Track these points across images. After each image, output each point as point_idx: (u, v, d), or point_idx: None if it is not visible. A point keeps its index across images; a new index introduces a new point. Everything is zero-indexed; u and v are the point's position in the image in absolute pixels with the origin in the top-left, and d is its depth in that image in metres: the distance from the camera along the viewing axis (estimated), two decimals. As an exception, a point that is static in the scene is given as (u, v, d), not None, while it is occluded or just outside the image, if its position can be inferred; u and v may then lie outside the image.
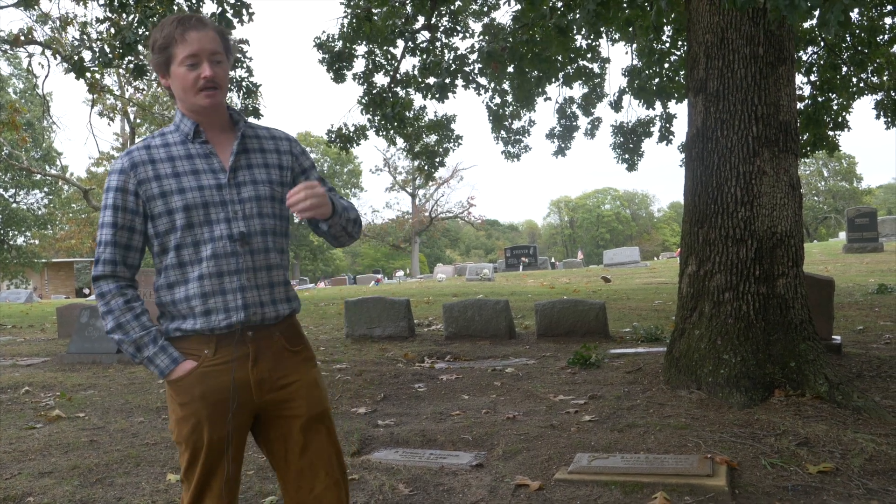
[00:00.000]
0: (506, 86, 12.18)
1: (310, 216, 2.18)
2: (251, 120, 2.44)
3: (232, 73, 10.47)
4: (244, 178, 2.28)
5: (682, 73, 10.85)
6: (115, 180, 2.24)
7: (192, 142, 2.29)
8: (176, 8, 9.00)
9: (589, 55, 11.88)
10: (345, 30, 10.69)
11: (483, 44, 9.76)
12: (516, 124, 12.93)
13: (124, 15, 8.89)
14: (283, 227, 2.37)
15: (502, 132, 12.89)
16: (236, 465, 2.30)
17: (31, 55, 23.00)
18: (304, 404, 2.31)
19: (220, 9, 9.55)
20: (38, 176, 39.08)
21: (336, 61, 10.76)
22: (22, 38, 13.69)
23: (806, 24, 10.14)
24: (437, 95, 10.06)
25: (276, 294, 2.30)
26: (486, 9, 11.86)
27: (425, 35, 10.94)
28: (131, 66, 9.11)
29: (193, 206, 2.21)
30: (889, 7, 9.80)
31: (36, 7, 13.08)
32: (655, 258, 48.97)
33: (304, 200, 2.13)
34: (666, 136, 12.28)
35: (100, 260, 2.26)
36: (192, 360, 2.24)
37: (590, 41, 11.72)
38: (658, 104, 11.73)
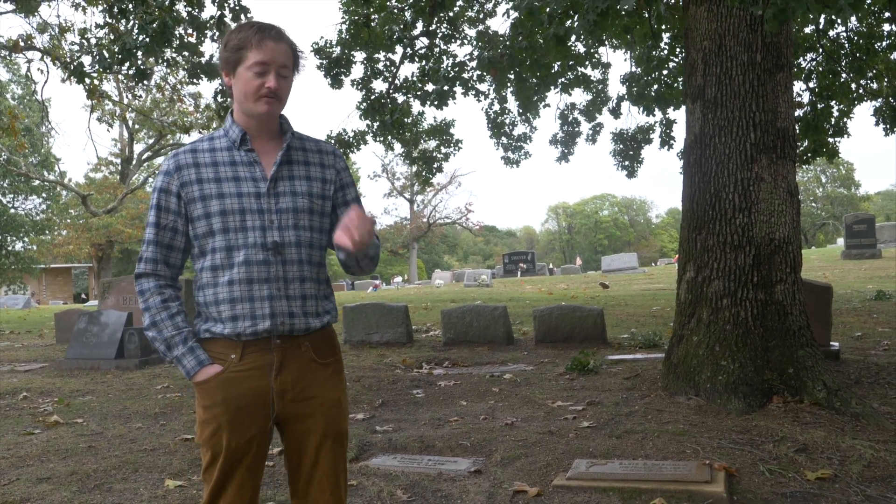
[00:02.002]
0: (505, 92, 12.19)
1: (349, 248, 2.16)
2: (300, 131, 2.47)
3: None
4: (284, 189, 2.30)
5: (680, 79, 10.87)
6: (160, 181, 2.30)
7: (237, 149, 2.32)
8: (175, 14, 9.02)
9: (587, 62, 11.89)
10: (343, 35, 10.71)
11: (480, 50, 9.78)
12: (517, 131, 12.95)
13: (123, 21, 8.90)
14: (320, 240, 2.38)
15: (503, 139, 12.90)
16: (253, 473, 2.29)
17: (29, 61, 22.98)
18: (322, 423, 2.31)
19: (219, 13, 9.56)
20: (37, 181, 39.07)
21: (334, 67, 10.78)
22: (21, 44, 13.69)
23: (807, 29, 10.17)
24: (435, 103, 10.07)
25: (307, 307, 2.30)
26: (482, 16, 11.87)
27: (424, 41, 10.95)
28: (131, 71, 9.11)
29: (230, 212, 2.24)
30: (887, 14, 9.83)
31: (35, 14, 13.10)
32: (653, 264, 48.99)
33: (355, 234, 2.12)
34: (667, 141, 12.30)
35: (142, 258, 2.31)
36: (219, 365, 2.25)
37: (589, 49, 11.74)
38: (657, 110, 11.75)
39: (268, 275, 2.24)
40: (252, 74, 2.24)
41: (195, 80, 10.59)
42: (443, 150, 13.18)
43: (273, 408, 2.26)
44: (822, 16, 8.63)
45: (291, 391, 2.27)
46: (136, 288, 2.33)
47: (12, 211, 40.01)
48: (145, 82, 9.24)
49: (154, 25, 8.15)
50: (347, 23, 10.59)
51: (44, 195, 41.98)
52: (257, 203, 2.26)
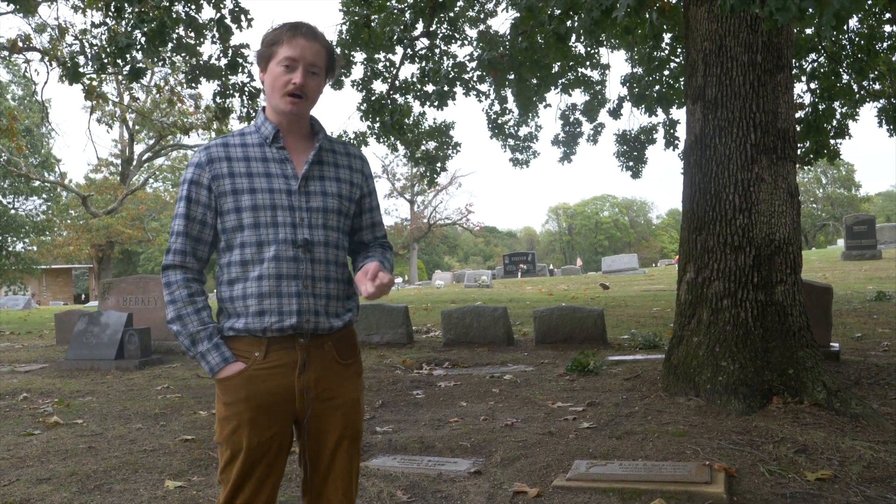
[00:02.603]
0: (505, 93, 12.20)
1: (361, 294, 2.29)
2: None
3: (234, 79, 10.45)
4: (315, 189, 2.31)
5: (681, 79, 10.88)
6: (190, 173, 2.29)
7: (269, 145, 2.32)
8: (175, 14, 9.02)
9: (588, 63, 11.90)
10: (343, 36, 10.71)
11: (481, 51, 9.79)
12: (523, 131, 12.96)
13: (122, 21, 8.89)
14: (344, 241, 2.40)
15: (510, 140, 12.91)
16: (272, 472, 2.29)
17: (27, 61, 23.03)
18: (341, 423, 2.32)
19: (218, 14, 9.56)
20: (37, 182, 39.08)
21: (334, 67, 10.77)
22: (20, 44, 13.67)
23: (809, 30, 10.17)
24: (436, 103, 10.08)
25: (330, 307, 2.32)
26: (482, 16, 11.89)
27: (424, 42, 10.95)
28: (126, 69, 9.10)
29: (262, 207, 2.24)
30: (888, 15, 9.83)
31: (35, 14, 13.11)
32: (654, 265, 48.93)
33: (374, 291, 2.24)
34: (671, 141, 12.31)
35: (170, 250, 2.30)
36: (242, 362, 2.24)
37: (589, 49, 11.75)
38: (660, 110, 11.76)
39: (297, 271, 2.24)
40: (281, 69, 2.25)
41: (194, 85, 10.59)
42: (443, 151, 13.20)
43: (295, 406, 2.26)
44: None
45: (314, 390, 2.28)
46: (162, 279, 2.32)
47: (13, 212, 40.06)
48: (143, 82, 9.23)
49: (152, 25, 8.15)
50: (347, 23, 10.59)
51: (44, 196, 42.02)
52: (288, 200, 2.26)
